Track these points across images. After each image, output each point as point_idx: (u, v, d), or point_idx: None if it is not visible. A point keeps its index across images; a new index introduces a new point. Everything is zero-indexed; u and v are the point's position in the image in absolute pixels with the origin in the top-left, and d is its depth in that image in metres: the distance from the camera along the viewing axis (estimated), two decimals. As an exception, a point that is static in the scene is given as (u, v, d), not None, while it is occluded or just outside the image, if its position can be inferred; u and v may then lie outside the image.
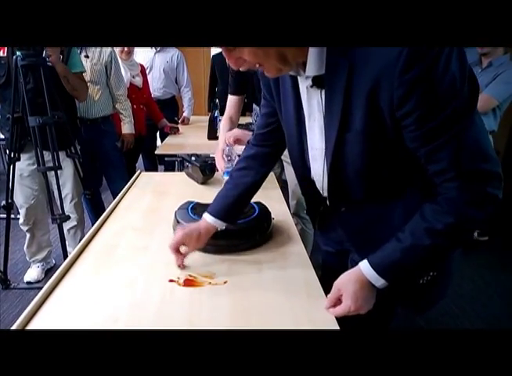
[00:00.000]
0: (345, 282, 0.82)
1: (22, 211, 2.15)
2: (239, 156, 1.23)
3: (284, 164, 2.03)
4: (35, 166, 1.89)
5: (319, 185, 0.95)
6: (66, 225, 2.21)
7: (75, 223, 2.25)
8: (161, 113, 3.12)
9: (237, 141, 1.55)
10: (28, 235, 2.23)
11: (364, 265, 0.80)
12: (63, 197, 2.14)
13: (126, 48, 2.60)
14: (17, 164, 2.02)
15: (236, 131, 1.59)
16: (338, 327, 0.80)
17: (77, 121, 2.29)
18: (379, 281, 0.79)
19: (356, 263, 0.83)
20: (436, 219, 0.73)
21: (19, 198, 2.11)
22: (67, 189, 2.15)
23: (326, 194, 0.93)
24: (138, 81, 2.87)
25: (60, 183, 2.11)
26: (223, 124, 1.92)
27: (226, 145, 1.56)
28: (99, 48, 2.33)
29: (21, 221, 2.19)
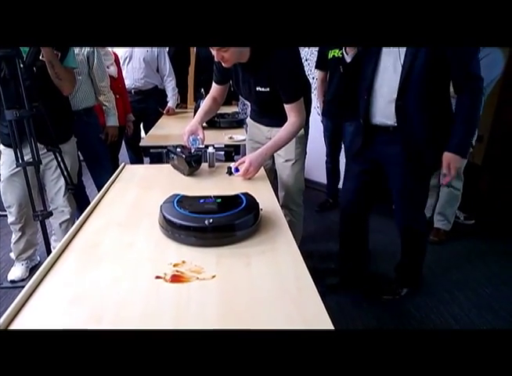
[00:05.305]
0: None
1: (13, 210, 2.07)
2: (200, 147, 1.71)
3: (275, 155, 1.99)
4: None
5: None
6: (59, 219, 2.16)
7: (68, 217, 2.17)
8: (130, 108, 3.12)
9: (192, 133, 1.74)
10: (19, 233, 2.17)
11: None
12: (55, 190, 2.09)
13: None
14: (6, 161, 1.94)
15: (192, 126, 1.76)
16: (328, 319, 0.78)
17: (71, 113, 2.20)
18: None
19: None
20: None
21: (10, 197, 2.03)
22: (61, 183, 2.07)
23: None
24: (113, 70, 2.83)
25: (54, 177, 2.06)
26: (204, 102, 1.90)
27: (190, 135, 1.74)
28: None
29: (12, 220, 2.11)
